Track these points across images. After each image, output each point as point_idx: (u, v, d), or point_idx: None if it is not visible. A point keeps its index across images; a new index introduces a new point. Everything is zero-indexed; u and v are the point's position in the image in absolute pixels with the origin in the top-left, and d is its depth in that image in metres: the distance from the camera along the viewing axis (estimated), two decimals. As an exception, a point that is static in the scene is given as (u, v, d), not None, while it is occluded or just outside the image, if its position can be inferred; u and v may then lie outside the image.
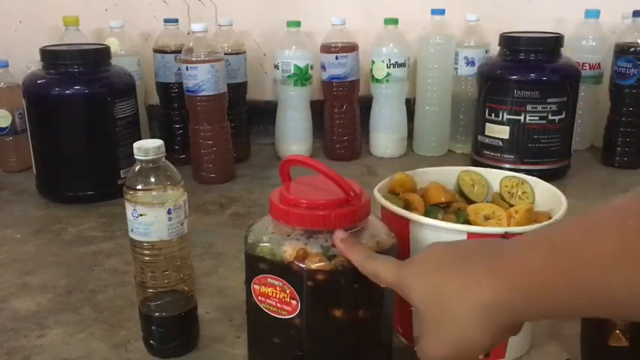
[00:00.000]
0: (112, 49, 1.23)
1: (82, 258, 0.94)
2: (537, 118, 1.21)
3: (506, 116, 1.23)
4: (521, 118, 1.21)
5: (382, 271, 0.49)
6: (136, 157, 0.62)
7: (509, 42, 1.26)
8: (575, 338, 0.65)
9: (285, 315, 0.53)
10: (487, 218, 0.64)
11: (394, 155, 1.45)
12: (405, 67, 1.40)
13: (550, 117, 1.21)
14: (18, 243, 1.00)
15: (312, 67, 1.39)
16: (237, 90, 1.39)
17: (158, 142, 0.63)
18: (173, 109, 1.39)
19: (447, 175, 0.75)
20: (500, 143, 1.25)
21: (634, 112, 1.32)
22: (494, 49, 1.33)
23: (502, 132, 1.24)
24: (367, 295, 0.54)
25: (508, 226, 0.63)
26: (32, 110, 1.15)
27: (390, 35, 1.38)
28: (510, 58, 1.25)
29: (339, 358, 0.56)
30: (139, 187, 0.62)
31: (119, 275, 0.88)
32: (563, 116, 1.22)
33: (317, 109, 1.46)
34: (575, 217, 0.39)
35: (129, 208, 0.63)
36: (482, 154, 1.29)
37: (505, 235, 0.58)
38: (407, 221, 0.61)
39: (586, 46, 1.42)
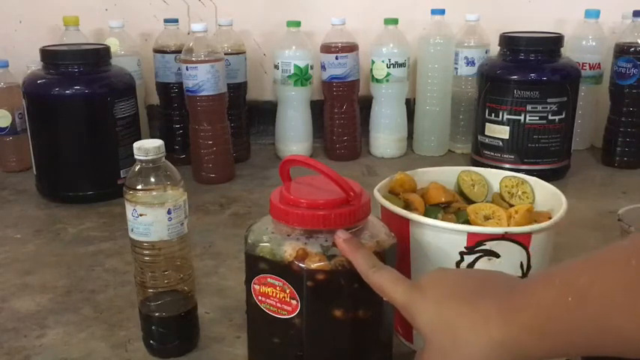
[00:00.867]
0: (112, 49, 1.23)
1: (82, 258, 0.94)
2: (537, 118, 1.21)
3: (506, 116, 1.23)
4: (521, 118, 1.21)
5: (389, 286, 0.48)
6: (136, 157, 0.62)
7: (509, 42, 1.26)
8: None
9: (285, 315, 0.53)
10: (487, 218, 0.64)
11: (394, 155, 1.45)
12: (405, 67, 1.40)
13: (550, 117, 1.21)
14: (18, 243, 1.00)
15: (312, 67, 1.39)
16: (237, 90, 1.39)
17: (158, 142, 0.63)
18: (173, 109, 1.39)
19: (447, 175, 0.75)
20: (500, 143, 1.25)
21: (634, 112, 1.32)
22: (494, 49, 1.33)
23: (502, 132, 1.24)
24: (367, 295, 0.54)
25: (508, 226, 0.62)
26: (32, 110, 1.16)
27: (390, 35, 1.38)
28: (510, 58, 1.25)
29: (339, 358, 0.56)
30: (139, 187, 0.62)
31: (119, 275, 0.88)
32: (563, 116, 1.22)
33: (317, 109, 1.46)
34: (584, 255, 0.40)
35: (129, 208, 0.63)
36: (482, 154, 1.29)
37: (505, 235, 0.58)
38: (407, 221, 0.61)
39: (586, 46, 1.42)
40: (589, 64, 1.42)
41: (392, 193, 0.70)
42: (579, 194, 1.18)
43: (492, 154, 1.27)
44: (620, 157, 1.35)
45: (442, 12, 1.39)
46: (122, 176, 1.16)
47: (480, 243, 0.58)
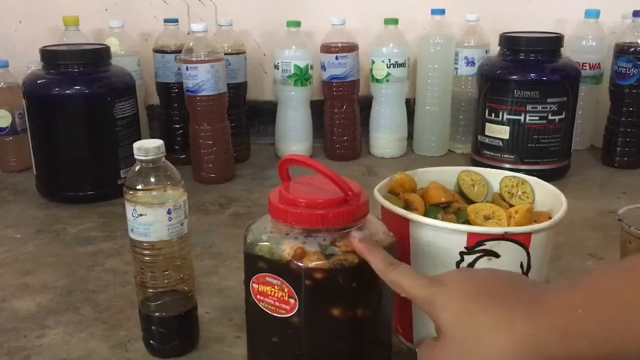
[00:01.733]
0: (112, 49, 1.23)
1: (82, 258, 0.94)
2: (537, 118, 1.21)
3: (506, 116, 1.23)
4: (521, 118, 1.21)
5: (408, 283, 0.48)
6: (135, 157, 0.62)
7: (509, 42, 1.26)
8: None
9: (283, 314, 0.53)
10: (487, 218, 0.64)
11: (394, 155, 1.45)
12: (405, 67, 1.40)
13: (550, 117, 1.21)
14: (18, 243, 1.01)
15: (312, 67, 1.39)
16: (237, 90, 1.39)
17: (158, 142, 0.63)
18: (173, 109, 1.39)
19: (447, 175, 0.75)
20: (500, 143, 1.25)
21: (634, 112, 1.32)
22: (494, 49, 1.33)
23: (502, 132, 1.24)
24: (365, 294, 0.54)
25: (508, 226, 0.62)
26: (32, 110, 1.16)
27: (390, 35, 1.38)
28: (510, 58, 1.25)
29: (338, 357, 0.56)
30: (139, 187, 0.62)
31: (119, 275, 0.88)
32: (563, 116, 1.22)
33: (317, 109, 1.46)
34: (611, 262, 0.41)
35: (129, 208, 0.63)
36: (482, 154, 1.29)
37: (505, 235, 0.58)
38: (407, 221, 0.61)
39: (586, 46, 1.42)
40: (589, 64, 1.42)
41: (392, 193, 0.70)
42: (579, 194, 1.18)
43: (492, 154, 1.27)
44: (620, 157, 1.35)
45: (442, 12, 1.39)
46: (122, 176, 1.16)
47: (480, 243, 0.58)
